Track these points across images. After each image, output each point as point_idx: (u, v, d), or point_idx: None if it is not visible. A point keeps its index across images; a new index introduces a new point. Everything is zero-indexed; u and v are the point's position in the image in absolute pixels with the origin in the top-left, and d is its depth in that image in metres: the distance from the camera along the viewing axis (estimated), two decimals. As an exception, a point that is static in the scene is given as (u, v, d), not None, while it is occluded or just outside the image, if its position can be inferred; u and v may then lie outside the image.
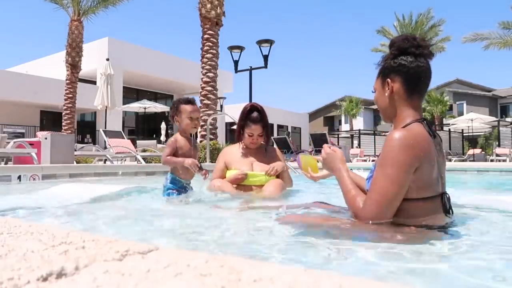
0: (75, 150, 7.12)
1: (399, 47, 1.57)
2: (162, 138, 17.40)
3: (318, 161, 1.97)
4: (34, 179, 4.44)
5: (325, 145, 1.87)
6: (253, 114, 3.06)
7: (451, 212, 1.56)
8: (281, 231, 1.55)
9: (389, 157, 1.45)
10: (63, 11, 15.71)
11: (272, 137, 18.37)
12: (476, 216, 1.90)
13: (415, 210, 1.47)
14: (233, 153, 3.16)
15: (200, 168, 2.65)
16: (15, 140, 7.56)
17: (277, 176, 3.11)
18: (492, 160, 16.58)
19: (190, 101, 2.72)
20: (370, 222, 1.47)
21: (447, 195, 1.55)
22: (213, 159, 7.58)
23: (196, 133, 11.29)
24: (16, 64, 24.21)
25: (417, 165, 1.43)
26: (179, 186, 2.71)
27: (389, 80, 1.58)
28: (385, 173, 1.45)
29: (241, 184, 2.98)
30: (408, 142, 1.43)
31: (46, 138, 5.54)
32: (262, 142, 3.13)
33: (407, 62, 1.55)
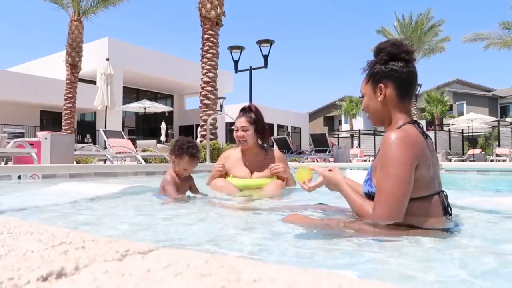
0: (75, 150, 7.12)
1: (389, 52, 1.59)
2: (162, 138, 17.40)
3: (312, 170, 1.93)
4: (34, 179, 4.44)
5: (318, 169, 1.81)
6: (241, 111, 3.14)
7: (450, 210, 1.57)
8: (281, 231, 1.55)
9: (390, 156, 1.45)
10: (63, 11, 15.71)
11: (272, 137, 18.34)
12: (476, 217, 1.90)
13: (414, 209, 1.47)
14: (233, 158, 3.14)
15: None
16: (15, 140, 7.56)
17: (277, 177, 3.11)
18: (492, 160, 16.57)
19: (195, 155, 2.71)
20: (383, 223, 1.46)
21: (445, 193, 1.58)
22: (213, 159, 7.58)
23: (196, 133, 11.28)
24: (16, 64, 24.23)
25: (416, 163, 1.45)
26: None
27: (382, 85, 1.61)
28: (389, 173, 1.45)
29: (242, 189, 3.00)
30: (406, 140, 1.46)
31: (46, 138, 5.55)
32: (251, 141, 3.06)
33: (399, 68, 1.58)
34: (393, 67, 1.58)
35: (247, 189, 3.00)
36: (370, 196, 1.58)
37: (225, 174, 3.16)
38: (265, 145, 3.24)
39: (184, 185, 2.79)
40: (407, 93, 1.61)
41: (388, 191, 1.44)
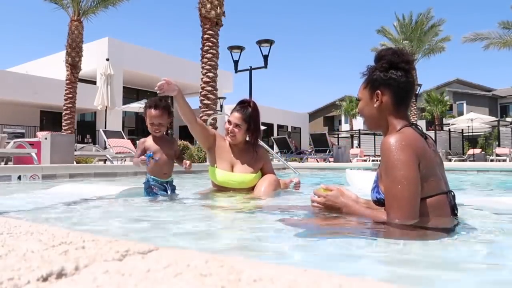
0: (75, 150, 7.12)
1: (389, 61, 1.60)
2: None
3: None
4: (34, 179, 4.44)
5: (315, 198, 1.76)
6: (240, 105, 3.04)
7: (456, 210, 1.58)
8: (281, 231, 1.55)
9: (391, 160, 1.46)
10: (63, 11, 15.71)
11: (272, 137, 18.28)
12: (477, 218, 1.90)
13: (422, 209, 1.48)
14: (221, 147, 3.03)
15: (156, 161, 2.56)
16: (15, 140, 7.57)
17: (263, 172, 3.05)
18: (492, 160, 16.56)
19: (156, 105, 2.56)
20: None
21: (452, 193, 1.59)
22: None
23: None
24: (16, 64, 24.23)
25: (418, 162, 1.46)
26: (157, 185, 2.68)
27: (379, 92, 1.62)
28: (394, 177, 1.45)
29: (225, 186, 2.94)
30: (404, 142, 1.47)
31: (46, 138, 5.55)
32: (240, 138, 2.98)
33: (397, 77, 1.59)
34: (392, 76, 1.59)
35: (229, 183, 2.94)
36: (379, 202, 1.60)
37: (213, 158, 3.03)
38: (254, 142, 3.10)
39: (165, 148, 2.64)
40: (403, 102, 1.62)
41: (397, 195, 1.45)
